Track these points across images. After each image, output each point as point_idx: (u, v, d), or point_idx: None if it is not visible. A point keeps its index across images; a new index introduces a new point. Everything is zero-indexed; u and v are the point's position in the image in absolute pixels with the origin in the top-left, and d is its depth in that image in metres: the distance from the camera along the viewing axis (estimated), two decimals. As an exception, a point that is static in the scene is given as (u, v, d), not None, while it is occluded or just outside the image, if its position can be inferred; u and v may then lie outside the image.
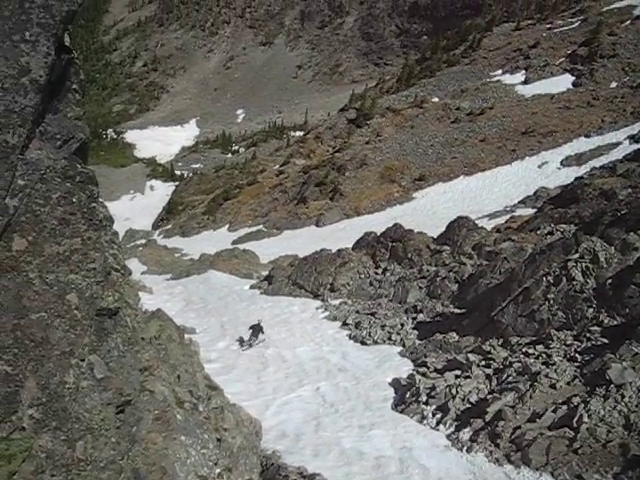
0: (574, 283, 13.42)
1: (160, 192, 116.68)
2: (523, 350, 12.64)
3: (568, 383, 10.46)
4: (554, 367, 11.02)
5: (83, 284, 4.00)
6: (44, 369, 3.64)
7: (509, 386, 10.99)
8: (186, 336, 10.70)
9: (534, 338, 13.20)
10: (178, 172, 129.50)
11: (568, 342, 12.01)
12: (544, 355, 11.86)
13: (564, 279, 13.69)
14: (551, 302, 13.59)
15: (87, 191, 4.21)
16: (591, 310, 12.69)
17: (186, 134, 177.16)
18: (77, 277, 3.97)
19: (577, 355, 11.31)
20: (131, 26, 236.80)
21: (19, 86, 3.58)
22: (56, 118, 4.10)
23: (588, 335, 11.91)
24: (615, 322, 11.97)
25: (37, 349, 3.62)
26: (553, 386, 10.45)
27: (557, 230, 20.70)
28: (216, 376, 11.52)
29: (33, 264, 3.75)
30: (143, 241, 60.25)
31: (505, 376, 11.61)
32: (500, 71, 73.62)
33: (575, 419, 9.14)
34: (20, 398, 3.49)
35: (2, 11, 3.49)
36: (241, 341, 18.46)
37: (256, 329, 18.39)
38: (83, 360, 3.92)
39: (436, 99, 72.03)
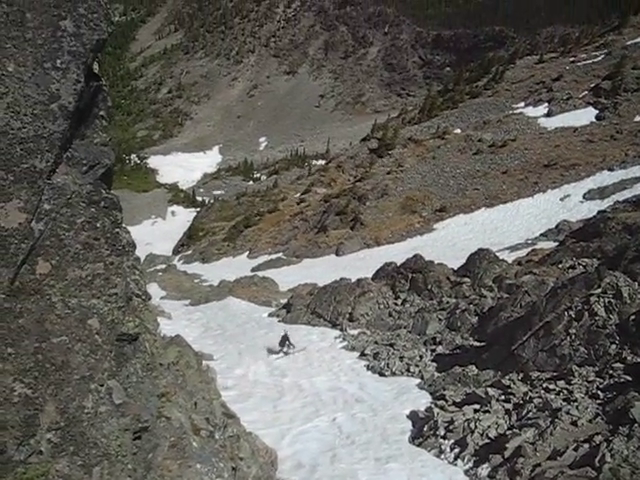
0: (596, 318, 13.24)
1: (181, 218, 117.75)
2: (544, 385, 12.44)
3: (590, 421, 10.26)
4: (575, 404, 10.82)
5: (105, 309, 4.02)
6: (63, 393, 3.65)
7: (529, 422, 10.80)
8: (204, 362, 10.70)
9: (555, 373, 13.00)
10: (199, 198, 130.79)
11: (590, 378, 11.81)
12: (565, 391, 11.66)
13: (586, 314, 13.51)
14: (573, 337, 13.41)
15: (111, 217, 4.26)
16: (614, 346, 12.49)
17: (208, 161, 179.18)
18: (99, 302, 4.00)
19: (599, 392, 11.10)
20: (157, 53, 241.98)
21: (48, 112, 3.65)
22: (83, 144, 4.16)
23: (611, 372, 11.70)
24: (638, 359, 11.77)
25: (57, 373, 3.64)
26: (574, 423, 10.26)
27: (579, 264, 20.50)
28: (232, 404, 11.46)
29: (56, 288, 3.78)
30: (163, 266, 60.66)
31: (525, 412, 11.42)
32: (523, 103, 73.75)
33: (597, 458, 8.93)
34: (39, 422, 3.50)
35: (35, 39, 3.57)
36: (270, 351, 20.40)
37: (284, 339, 20.41)
38: (102, 385, 3.93)
39: (458, 130, 72.23)
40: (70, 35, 3.73)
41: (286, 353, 20.04)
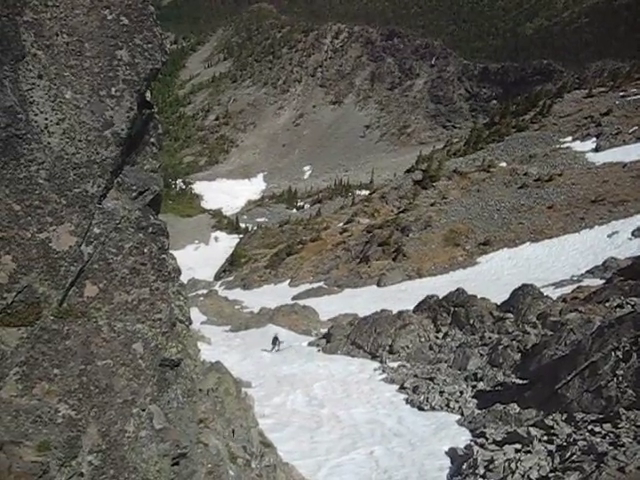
0: (645, 360, 12.84)
1: (224, 244, 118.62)
2: (589, 428, 12.06)
3: (638, 468, 9.87)
4: (623, 449, 10.42)
5: (149, 334, 4.05)
6: (106, 416, 3.67)
7: (573, 465, 10.45)
8: (242, 390, 10.68)
9: (601, 416, 12.60)
10: (243, 225, 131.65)
11: (638, 423, 11.40)
12: (612, 435, 11.25)
13: (634, 355, 13.10)
14: (620, 379, 13.00)
15: (158, 242, 4.30)
16: (663, 390, 12.07)
17: (253, 188, 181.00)
18: (144, 327, 4.03)
19: (648, 437, 10.71)
20: (206, 81, 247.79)
21: (102, 138, 3.73)
22: (133, 170, 4.23)
23: (660, 417, 11.29)
24: (690, 404, 11.34)
25: (101, 396, 3.66)
26: (622, 469, 9.87)
27: (627, 303, 19.97)
28: (269, 432, 11.41)
29: (102, 311, 3.83)
30: (204, 291, 61.21)
31: (569, 454, 11.06)
32: (570, 138, 72.77)
33: (645, 507, 8.59)
34: (81, 443, 3.52)
35: (92, 68, 3.67)
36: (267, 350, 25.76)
37: (275, 340, 26.22)
38: (144, 410, 3.94)
39: (504, 164, 71.55)
40: (125, 64, 3.83)
41: (277, 350, 25.65)
